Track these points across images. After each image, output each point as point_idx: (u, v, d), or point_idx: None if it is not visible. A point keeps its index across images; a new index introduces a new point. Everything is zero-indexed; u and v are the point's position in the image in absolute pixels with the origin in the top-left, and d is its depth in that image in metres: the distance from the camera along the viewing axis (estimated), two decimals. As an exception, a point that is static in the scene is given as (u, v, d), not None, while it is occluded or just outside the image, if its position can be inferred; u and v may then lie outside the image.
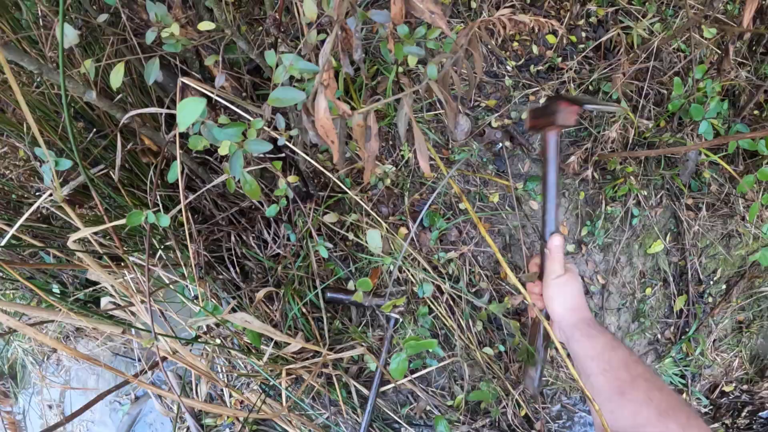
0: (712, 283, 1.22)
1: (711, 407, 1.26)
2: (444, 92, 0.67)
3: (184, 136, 0.88)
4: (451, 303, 1.06)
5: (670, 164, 1.11)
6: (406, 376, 1.10)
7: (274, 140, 0.77)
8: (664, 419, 0.49)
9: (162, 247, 1.00)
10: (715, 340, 1.26)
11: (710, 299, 1.24)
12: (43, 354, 1.48)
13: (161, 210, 0.95)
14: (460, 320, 1.05)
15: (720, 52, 1.03)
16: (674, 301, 1.17)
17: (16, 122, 0.88)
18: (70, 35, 0.58)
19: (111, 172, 0.88)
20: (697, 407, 1.24)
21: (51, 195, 0.74)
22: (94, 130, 0.91)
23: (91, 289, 1.30)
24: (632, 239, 1.12)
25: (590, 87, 1.14)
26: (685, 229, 1.13)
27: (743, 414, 1.27)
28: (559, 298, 0.67)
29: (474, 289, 1.07)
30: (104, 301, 1.04)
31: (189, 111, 0.48)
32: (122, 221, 0.69)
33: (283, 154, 0.98)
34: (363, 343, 1.04)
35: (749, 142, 1.03)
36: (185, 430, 1.21)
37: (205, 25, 0.66)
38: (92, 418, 1.42)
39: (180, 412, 1.20)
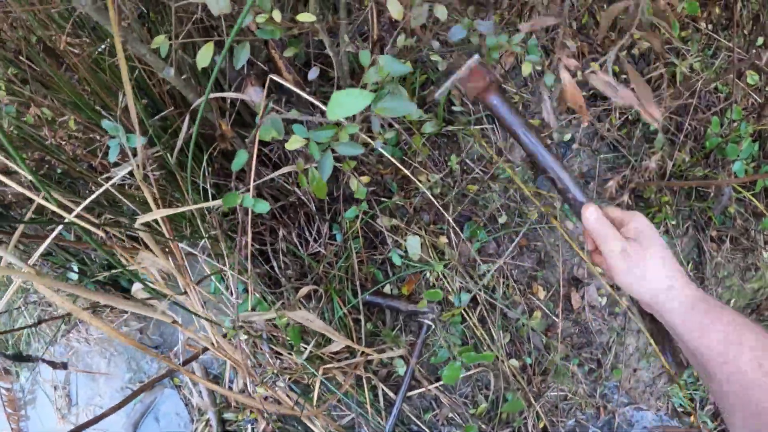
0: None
1: (717, 431, 1.29)
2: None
3: (249, 126, 0.85)
4: (485, 314, 1.06)
5: (699, 197, 1.13)
6: (432, 383, 1.09)
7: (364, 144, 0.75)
8: None
9: (207, 236, 0.96)
10: (720, 367, 1.29)
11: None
12: (54, 332, 1.41)
13: (210, 197, 0.92)
14: (492, 330, 1.05)
15: (759, 99, 1.07)
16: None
17: (78, 93, 0.84)
18: (222, 4, 0.54)
19: (167, 156, 0.85)
20: (704, 430, 1.26)
21: (122, 173, 0.70)
22: (157, 110, 0.88)
23: (110, 272, 1.25)
24: (658, 265, 1.14)
25: (630, 117, 1.16)
26: (707, 259, 1.15)
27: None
28: (633, 283, 0.48)
29: (507, 302, 1.07)
30: (135, 287, 0.99)
31: (347, 102, 0.46)
32: (217, 202, 0.66)
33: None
34: (398, 347, 1.03)
35: None
36: (204, 423, 1.16)
37: (305, 17, 0.64)
38: (101, 402, 1.35)
39: (204, 406, 1.16)
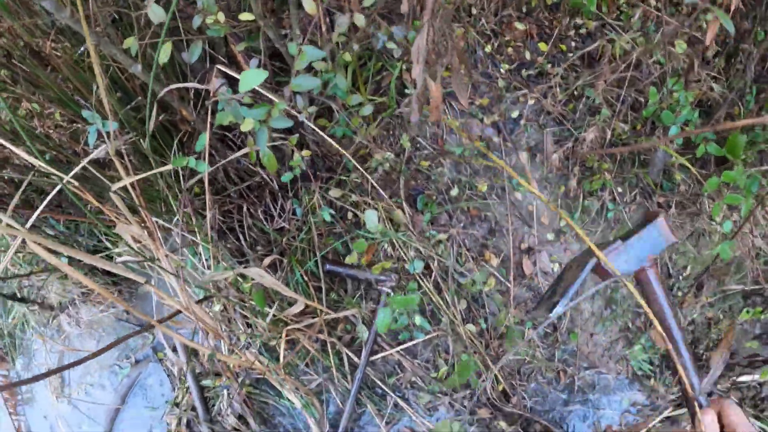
0: (681, 278, 1.41)
1: (679, 394, 1.44)
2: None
3: (211, 113, 1.06)
4: (439, 281, 1.24)
5: (643, 165, 1.30)
6: (393, 347, 1.28)
7: (293, 119, 0.95)
8: None
9: (181, 212, 1.16)
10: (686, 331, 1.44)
11: (680, 293, 1.42)
12: (47, 317, 1.63)
13: (182, 180, 1.12)
14: (446, 296, 1.23)
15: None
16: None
17: (60, 89, 1.05)
18: (158, 13, 0.75)
19: (140, 141, 1.05)
20: (664, 392, 1.41)
21: (97, 151, 0.91)
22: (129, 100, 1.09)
23: (98, 255, 1.46)
24: (607, 231, 1.31)
25: (575, 92, 1.33)
26: (656, 225, 1.31)
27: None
28: None
29: (461, 269, 1.25)
30: (119, 260, 1.20)
31: (251, 79, 0.66)
32: (168, 167, 0.86)
33: (298, 133, 1.16)
34: (357, 313, 1.22)
35: (717, 148, 1.22)
36: (184, 389, 1.36)
37: (245, 16, 0.84)
38: (91, 381, 1.57)
39: (181, 373, 1.36)
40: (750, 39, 1.24)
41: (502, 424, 1.27)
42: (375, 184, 1.18)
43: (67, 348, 1.56)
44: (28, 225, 0.84)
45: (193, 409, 1.35)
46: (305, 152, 1.03)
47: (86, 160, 0.82)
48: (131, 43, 0.88)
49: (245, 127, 0.84)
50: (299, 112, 0.84)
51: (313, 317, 1.17)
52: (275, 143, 1.12)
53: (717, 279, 1.43)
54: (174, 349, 1.41)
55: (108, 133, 0.91)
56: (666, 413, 1.40)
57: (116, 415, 1.50)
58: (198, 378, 1.35)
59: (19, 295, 1.53)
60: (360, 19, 0.83)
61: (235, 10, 1.11)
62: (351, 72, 1.20)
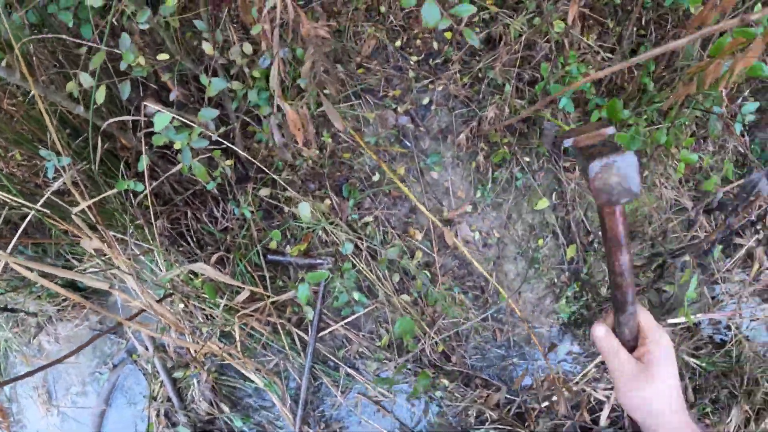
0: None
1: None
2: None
3: (148, 135, 1.43)
4: (370, 259, 1.61)
5: (542, 135, 1.65)
6: (338, 323, 1.65)
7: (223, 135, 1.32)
8: None
9: (132, 225, 1.54)
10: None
11: (602, 249, 1.78)
12: (28, 336, 2.02)
13: (131, 197, 1.50)
14: (378, 272, 1.60)
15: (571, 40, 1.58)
16: (565, 249, 1.72)
17: (15, 132, 1.43)
18: (88, 80, 1.12)
19: (91, 169, 1.43)
20: (597, 341, 1.78)
21: (57, 183, 1.28)
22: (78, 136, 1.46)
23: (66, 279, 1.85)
24: (520, 198, 1.67)
25: (479, 75, 1.68)
26: (566, 187, 1.67)
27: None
28: (635, 407, 0.61)
29: (389, 246, 1.62)
30: (87, 277, 1.58)
31: (161, 121, 1.03)
32: (114, 191, 1.23)
33: (224, 146, 1.53)
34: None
35: (615, 108, 1.57)
36: (159, 384, 1.75)
37: (162, 56, 1.21)
38: (76, 390, 1.96)
39: (154, 369, 1.75)
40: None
41: (445, 381, 1.64)
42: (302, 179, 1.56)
43: (49, 361, 1.95)
44: (9, 249, 1.22)
45: (169, 400, 1.73)
46: (228, 162, 1.41)
47: (49, 191, 1.20)
48: (72, 87, 1.26)
49: (177, 146, 1.21)
50: (213, 132, 1.21)
51: (261, 299, 1.55)
52: (207, 155, 1.49)
53: (636, 231, 1.78)
54: (146, 348, 1.79)
55: (63, 167, 1.28)
56: (600, 358, 1.76)
57: (102, 417, 1.89)
58: (170, 372, 1.73)
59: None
60: (247, 47, 1.20)
61: (160, 43, 1.48)
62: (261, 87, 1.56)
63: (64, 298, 1.96)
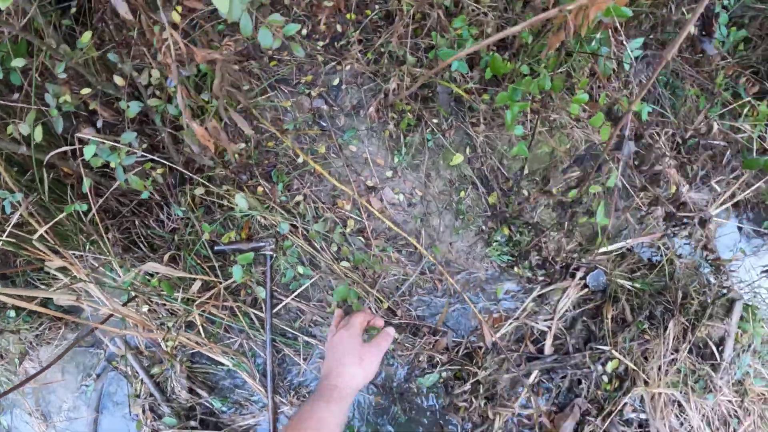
0: (520, 178, 2.13)
1: (545, 276, 2.18)
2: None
3: (86, 160, 1.78)
4: (306, 234, 1.98)
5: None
6: (288, 296, 2.03)
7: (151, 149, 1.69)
8: None
9: (88, 241, 1.91)
10: (537, 223, 2.17)
11: (525, 192, 2.15)
12: (13, 366, 2.41)
13: (82, 216, 1.87)
14: (315, 245, 1.97)
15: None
16: (486, 198, 2.09)
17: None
18: (26, 129, 1.49)
19: (42, 198, 1.80)
20: (530, 275, 2.15)
21: (15, 217, 1.66)
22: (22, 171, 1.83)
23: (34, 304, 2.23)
24: (435, 158, 2.04)
25: (381, 50, 2.04)
26: (476, 141, 2.04)
27: (578, 276, 2.19)
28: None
29: (322, 219, 1.99)
30: (56, 294, 1.96)
31: (90, 150, 1.40)
32: (64, 214, 1.61)
33: (155, 156, 1.90)
34: (251, 279, 1.97)
35: (497, 65, 1.93)
36: (140, 383, 2.13)
37: (85, 90, 1.57)
38: (67, 407, 2.35)
39: (133, 370, 2.13)
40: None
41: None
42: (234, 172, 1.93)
43: (39, 385, 2.35)
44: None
45: (151, 395, 2.12)
46: (160, 170, 1.78)
47: (9, 225, 1.57)
48: (12, 130, 1.63)
49: (113, 165, 1.59)
50: (137, 149, 1.58)
51: (214, 286, 1.93)
52: (139, 168, 1.86)
53: (554, 169, 2.15)
54: (124, 352, 2.18)
55: (18, 202, 1.66)
56: (536, 293, 2.14)
57: (96, 425, 2.29)
58: (147, 370, 2.12)
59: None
60: (156, 73, 1.56)
61: (82, 75, 1.84)
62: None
63: (40, 323, 2.35)
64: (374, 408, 2.06)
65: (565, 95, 2.12)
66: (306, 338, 2.05)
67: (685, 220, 2.22)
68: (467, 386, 2.01)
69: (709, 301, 2.11)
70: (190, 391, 2.11)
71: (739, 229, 2.70)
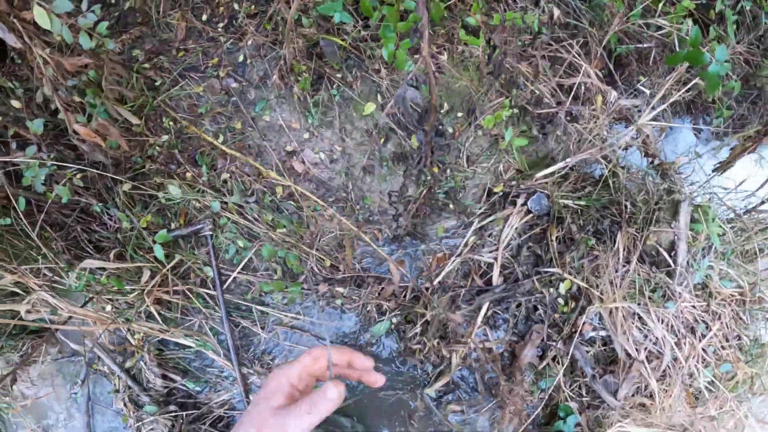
0: (442, 115, 2.39)
1: (486, 208, 2.44)
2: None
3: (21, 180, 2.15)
4: (240, 209, 2.31)
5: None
6: (234, 271, 2.36)
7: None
8: None
9: (40, 255, 2.30)
10: (469, 157, 2.43)
11: (450, 128, 2.42)
12: (7, 390, 2.85)
13: (29, 232, 2.25)
14: (247, 216, 2.30)
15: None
16: (408, 140, 2.36)
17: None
18: None
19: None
20: (470, 210, 2.41)
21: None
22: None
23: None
24: (348, 111, 2.32)
25: (276, 17, 2.34)
26: (382, 87, 2.31)
27: (519, 202, 2.43)
28: None
29: (249, 192, 2.31)
30: (23, 308, 2.35)
31: (28, 173, 1.77)
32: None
33: (76, 168, 2.26)
34: (197, 260, 2.31)
35: (366, 8, 2.20)
36: (117, 379, 2.51)
37: (34, 128, 1.95)
38: (64, 417, 2.76)
39: (110, 369, 2.52)
40: None
41: (339, 289, 2.33)
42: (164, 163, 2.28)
43: (33, 398, 2.77)
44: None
45: (129, 387, 2.50)
46: (79, 175, 2.14)
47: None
48: None
49: (26, 181, 1.96)
50: (46, 161, 1.94)
51: (158, 273, 2.28)
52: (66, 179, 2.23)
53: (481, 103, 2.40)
54: (99, 357, 2.57)
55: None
56: (475, 225, 2.40)
57: (89, 428, 2.69)
58: (121, 365, 2.50)
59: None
60: (47, 90, 1.92)
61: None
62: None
63: (24, 342, 2.78)
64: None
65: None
66: (260, 308, 2.38)
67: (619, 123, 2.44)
68: (417, 328, 2.30)
69: (653, 206, 2.31)
70: (164, 377, 2.48)
71: (699, 132, 2.87)
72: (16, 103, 1.96)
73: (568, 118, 2.47)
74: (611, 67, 2.63)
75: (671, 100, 2.51)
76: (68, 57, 1.86)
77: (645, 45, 2.62)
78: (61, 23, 1.49)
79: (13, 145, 2.12)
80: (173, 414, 2.51)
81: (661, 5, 2.38)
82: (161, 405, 2.50)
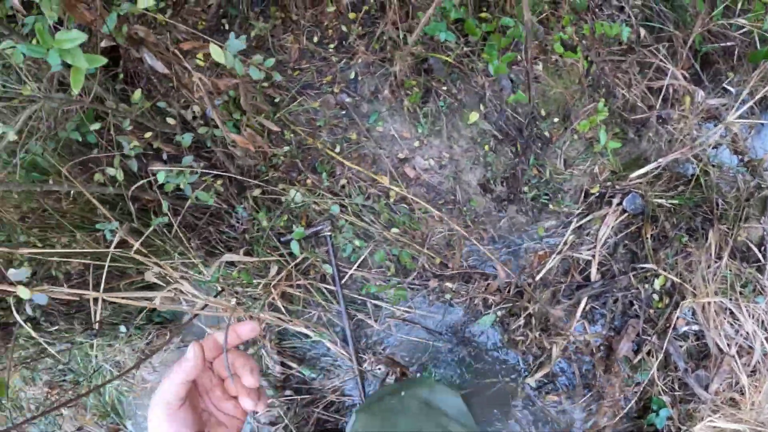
0: (540, 121, 2.79)
1: (584, 208, 2.82)
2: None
3: (161, 187, 2.67)
4: (356, 212, 2.76)
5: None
6: (350, 268, 2.81)
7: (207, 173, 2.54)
8: None
9: (176, 252, 2.80)
10: (566, 160, 2.82)
11: (547, 133, 2.81)
12: (131, 379, 3.39)
13: (167, 233, 2.77)
14: (364, 218, 2.75)
15: None
16: (510, 145, 2.76)
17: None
18: (112, 171, 2.39)
19: (132, 223, 2.71)
20: (569, 210, 2.80)
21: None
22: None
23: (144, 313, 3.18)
24: (454, 120, 2.74)
25: (383, 37, 2.77)
26: (485, 97, 2.72)
27: (614, 202, 2.80)
28: None
29: (366, 196, 2.76)
30: (158, 298, 2.87)
31: (162, 176, 2.27)
32: (150, 228, 2.51)
33: (215, 172, 2.75)
34: (317, 258, 2.78)
35: (470, 28, 2.61)
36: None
37: (148, 135, 2.45)
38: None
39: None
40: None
41: (448, 284, 2.76)
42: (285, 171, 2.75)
43: (153, 383, 3.30)
44: (101, 290, 2.52)
45: (253, 374, 2.98)
46: (219, 182, 2.62)
47: (112, 245, 2.48)
48: (98, 177, 2.54)
49: (182, 185, 2.46)
50: (198, 169, 2.42)
51: (284, 267, 2.76)
52: (204, 185, 2.72)
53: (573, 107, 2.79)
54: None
55: (115, 229, 2.57)
56: (574, 225, 2.79)
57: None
58: (245, 350, 2.99)
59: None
60: (197, 108, 2.41)
61: (142, 122, 2.72)
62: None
63: (149, 332, 3.31)
64: (444, 353, 2.81)
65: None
66: (374, 301, 2.83)
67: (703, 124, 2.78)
68: (521, 320, 2.70)
69: (743, 202, 2.65)
70: (282, 364, 2.95)
71: (792, 125, 3.17)
72: (171, 120, 2.45)
73: (659, 120, 2.83)
74: (697, 67, 2.97)
75: (758, 97, 2.83)
76: (218, 79, 2.34)
77: (729, 43, 2.95)
78: (234, 57, 1.95)
79: (164, 156, 2.63)
80: (289, 398, 2.98)
81: (740, 4, 2.71)
82: (278, 389, 2.97)
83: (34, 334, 2.31)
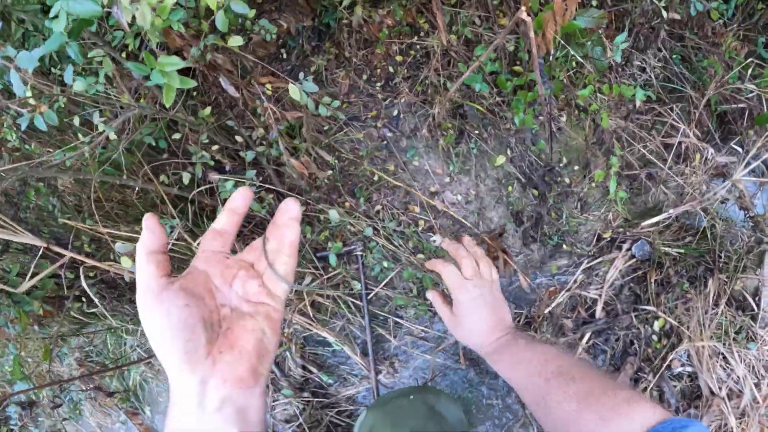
0: (560, 168, 3.10)
1: (595, 251, 3.11)
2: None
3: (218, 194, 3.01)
4: (386, 235, 3.08)
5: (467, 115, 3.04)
6: (377, 287, 3.12)
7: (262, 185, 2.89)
8: (580, 412, 0.86)
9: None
10: (583, 205, 3.12)
11: (567, 179, 3.12)
12: (155, 372, 3.69)
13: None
14: (394, 243, 3.06)
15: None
16: (530, 190, 3.07)
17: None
18: (187, 176, 2.75)
19: (188, 223, 3.05)
20: (580, 251, 3.09)
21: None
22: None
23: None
24: (482, 161, 3.06)
25: (426, 81, 3.12)
26: (512, 144, 3.04)
27: (624, 248, 3.09)
28: (462, 337, 1.49)
29: (397, 222, 3.08)
30: None
31: (229, 184, 2.62)
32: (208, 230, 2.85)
33: (266, 187, 3.09)
34: (347, 275, 3.09)
35: (501, 82, 2.94)
36: (268, 367, 3.30)
37: (215, 148, 2.80)
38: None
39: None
40: None
41: (464, 309, 3.04)
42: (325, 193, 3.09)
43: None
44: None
45: (272, 372, 3.28)
46: (270, 195, 2.96)
47: (172, 239, 2.82)
48: (163, 178, 2.89)
49: (224, 195, 2.80)
50: (256, 182, 2.76)
51: (317, 279, 3.07)
52: (257, 196, 3.06)
53: (591, 155, 3.10)
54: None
55: (175, 225, 2.92)
56: (584, 265, 3.07)
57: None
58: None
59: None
60: (260, 131, 2.76)
61: (209, 136, 3.09)
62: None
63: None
64: (453, 370, 3.08)
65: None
66: (395, 319, 3.12)
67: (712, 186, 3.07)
68: (530, 347, 2.97)
69: (744, 255, 2.93)
70: (303, 368, 3.24)
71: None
72: (239, 138, 2.80)
73: (669, 174, 3.13)
74: (711, 126, 3.27)
75: (765, 156, 3.12)
76: (285, 111, 2.70)
77: (740, 105, 3.25)
78: (307, 96, 2.30)
79: (227, 168, 2.98)
80: (306, 400, 3.27)
81: (750, 70, 3.01)
82: (297, 391, 3.26)
83: (94, 305, 2.60)
